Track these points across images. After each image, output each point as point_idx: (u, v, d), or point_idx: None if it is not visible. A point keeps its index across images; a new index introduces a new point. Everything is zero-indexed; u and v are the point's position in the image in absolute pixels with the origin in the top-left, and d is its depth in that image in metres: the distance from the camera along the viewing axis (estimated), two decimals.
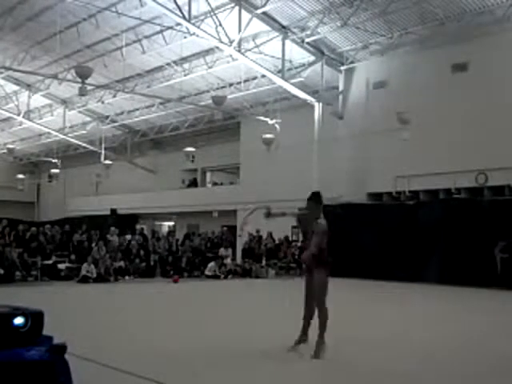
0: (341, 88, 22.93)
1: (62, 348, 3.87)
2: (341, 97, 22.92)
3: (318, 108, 22.54)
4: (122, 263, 19.21)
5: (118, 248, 19.91)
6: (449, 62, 19.42)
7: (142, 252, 20.18)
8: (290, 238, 23.83)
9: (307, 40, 21.06)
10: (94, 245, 19.38)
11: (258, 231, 23.14)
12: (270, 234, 23.03)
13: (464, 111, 18.74)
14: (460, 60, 19.18)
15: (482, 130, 18.25)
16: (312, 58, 22.04)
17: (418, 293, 16.06)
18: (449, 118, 19.02)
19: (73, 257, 18.84)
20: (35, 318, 4.02)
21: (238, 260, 23.19)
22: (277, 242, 22.91)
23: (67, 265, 18.61)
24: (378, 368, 6.44)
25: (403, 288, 16.73)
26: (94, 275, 17.60)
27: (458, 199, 18.89)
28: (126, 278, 18.90)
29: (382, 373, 6.26)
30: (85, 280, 17.30)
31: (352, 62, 22.31)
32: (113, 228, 21.25)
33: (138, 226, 31.51)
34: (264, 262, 21.84)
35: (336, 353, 6.88)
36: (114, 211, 32.10)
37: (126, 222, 29.74)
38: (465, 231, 17.48)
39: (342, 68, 22.64)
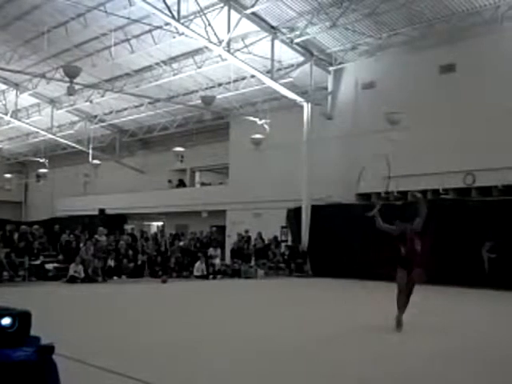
0: (330, 88, 22.99)
1: (50, 348, 3.84)
2: (330, 97, 22.98)
3: (306, 108, 22.57)
4: (111, 263, 19.13)
5: (107, 248, 19.83)
6: (437, 62, 19.53)
7: (130, 252, 20.11)
8: (279, 238, 23.86)
9: (296, 40, 21.09)
10: (82, 245, 19.29)
11: (246, 231, 23.16)
12: (260, 234, 23.03)
13: (452, 112, 18.85)
14: (448, 61, 19.30)
15: (469, 130, 18.37)
16: (301, 59, 22.07)
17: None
18: (437, 119, 19.13)
19: (61, 257, 18.73)
20: (22, 318, 3.98)
21: (227, 260, 23.18)
22: (266, 242, 22.91)
23: (55, 265, 18.51)
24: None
25: (390, 288, 16.78)
26: (82, 275, 17.52)
27: (445, 199, 18.99)
28: (115, 278, 18.83)
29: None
30: (72, 280, 17.22)
31: (341, 63, 22.38)
32: (101, 228, 21.17)
33: (126, 226, 31.40)
34: (253, 262, 21.84)
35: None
36: (102, 211, 31.95)
37: (115, 222, 29.61)
38: (452, 231, 17.57)
39: (331, 68, 22.70)
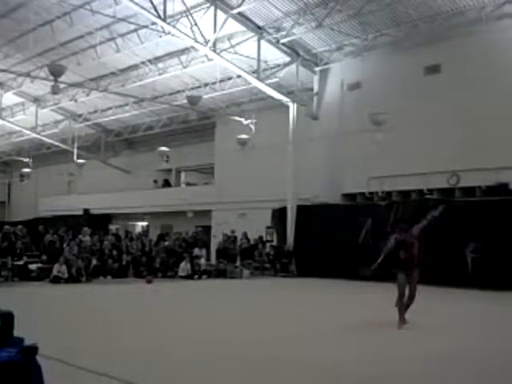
0: (316, 89, 23.05)
1: (34, 349, 3.82)
2: (316, 98, 23.03)
3: (292, 109, 22.60)
4: (95, 263, 19.02)
5: (91, 248, 19.71)
6: (422, 63, 19.65)
7: (114, 252, 19.99)
8: (264, 238, 23.88)
9: (282, 41, 21.12)
10: (65, 245, 19.15)
11: (233, 231, 23.15)
12: (245, 235, 23.03)
13: (437, 113, 18.97)
14: (433, 62, 19.42)
15: (454, 131, 18.50)
16: (287, 59, 22.11)
17: (382, 292, 16.16)
18: (422, 120, 19.24)
19: (44, 257, 18.59)
20: (5, 319, 3.95)
21: (213, 260, 23.14)
22: (252, 242, 22.91)
23: (38, 265, 18.36)
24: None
25: (373, 287, 16.88)
26: (66, 276, 17.40)
27: (430, 200, 19.10)
28: (101, 278, 18.71)
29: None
30: (56, 280, 17.09)
31: (327, 63, 22.44)
32: (85, 228, 21.03)
33: (111, 227, 31.25)
34: (238, 263, 21.82)
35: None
36: (86, 211, 31.78)
37: (99, 222, 29.46)
38: (436, 231, 17.66)
39: (317, 69, 22.75)
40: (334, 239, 20.11)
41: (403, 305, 9.28)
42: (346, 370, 6.37)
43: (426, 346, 7.89)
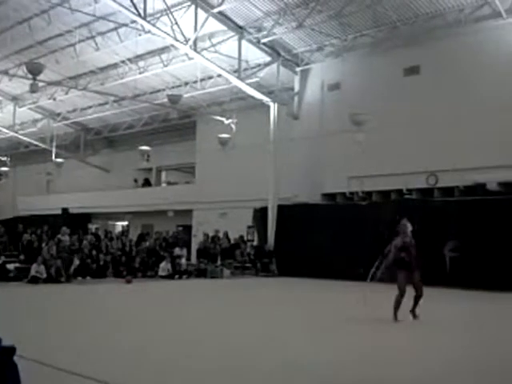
0: (296, 89, 23.11)
1: (11, 350, 3.77)
2: (296, 98, 23.10)
3: (273, 108, 22.63)
4: (78, 262, 18.89)
5: (70, 248, 19.52)
6: (401, 64, 19.80)
7: (94, 252, 19.83)
8: (246, 238, 23.89)
9: (263, 40, 21.13)
10: (44, 245, 18.95)
11: (217, 231, 23.12)
12: (226, 234, 23.01)
13: (416, 114, 19.13)
14: (412, 63, 19.59)
15: (433, 132, 18.67)
16: (268, 59, 22.13)
17: (357, 291, 16.27)
18: (401, 120, 19.39)
19: (22, 257, 18.38)
20: None
21: (193, 260, 23.08)
22: (232, 241, 22.90)
23: (16, 265, 18.15)
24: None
25: (355, 287, 16.98)
26: (44, 276, 17.22)
27: (409, 200, 19.28)
28: (78, 278, 18.54)
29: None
30: (34, 281, 16.90)
31: (307, 64, 22.51)
32: (64, 228, 20.80)
33: (90, 226, 31.00)
34: (219, 262, 21.79)
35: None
36: (65, 210, 31.50)
37: (78, 221, 29.20)
38: (415, 231, 17.80)
39: (298, 69, 22.81)
40: (315, 239, 20.18)
41: (400, 304, 9.84)
42: (329, 373, 6.39)
43: (408, 345, 7.96)
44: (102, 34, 22.70)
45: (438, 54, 18.93)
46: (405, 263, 9.98)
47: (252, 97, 22.95)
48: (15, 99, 30.33)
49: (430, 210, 18.06)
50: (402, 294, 9.84)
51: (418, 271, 9.99)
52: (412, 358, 7.13)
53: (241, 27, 20.85)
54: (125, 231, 28.32)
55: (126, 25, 20.95)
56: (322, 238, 20.01)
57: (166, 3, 19.15)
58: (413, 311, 10.04)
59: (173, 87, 25.43)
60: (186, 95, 23.07)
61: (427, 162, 18.57)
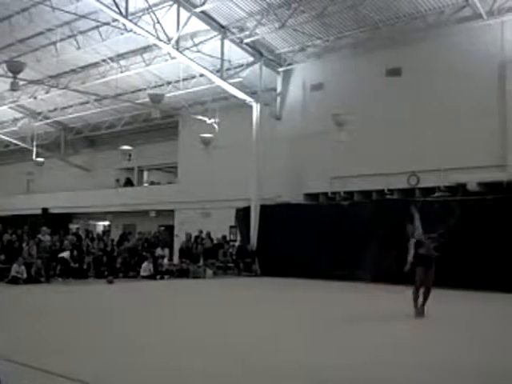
0: (279, 89, 23.15)
1: None
2: (279, 98, 23.13)
3: (256, 108, 22.62)
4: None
5: (50, 248, 19.35)
6: (383, 65, 19.92)
7: (75, 252, 19.66)
8: (228, 238, 23.86)
9: (246, 40, 21.12)
10: (24, 245, 18.76)
11: (201, 231, 23.06)
12: (208, 234, 22.97)
13: (397, 114, 19.27)
14: (394, 64, 19.72)
15: (414, 132, 18.82)
16: (251, 59, 22.13)
17: (347, 290, 16.39)
18: (383, 121, 19.52)
19: (2, 257, 18.17)
20: None
21: (176, 260, 23.00)
22: (215, 241, 22.86)
23: None
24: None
25: (338, 287, 17.08)
26: (25, 276, 17.05)
27: (390, 200, 19.41)
28: (59, 279, 18.38)
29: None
30: (15, 281, 16.73)
31: (290, 64, 22.55)
32: (44, 228, 20.60)
33: (71, 226, 30.76)
34: (202, 262, 21.74)
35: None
36: (45, 210, 31.22)
37: (59, 221, 28.97)
38: (396, 231, 17.93)
39: (280, 69, 22.85)
40: (297, 239, 20.25)
41: (418, 296, 10.37)
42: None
43: (395, 344, 8.01)
44: (83, 32, 22.51)
45: (419, 55, 19.09)
46: (424, 259, 10.44)
47: (235, 97, 22.92)
48: None
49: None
50: (418, 287, 10.37)
51: (433, 267, 10.51)
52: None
53: (223, 27, 20.82)
54: (106, 231, 28.16)
55: (107, 23, 20.80)
56: (304, 238, 20.08)
57: (147, 2, 19.08)
58: (422, 308, 10.45)
59: (155, 86, 25.31)
60: (168, 95, 22.97)
61: (408, 162, 18.72)
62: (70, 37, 22.74)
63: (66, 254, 19.19)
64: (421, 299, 10.48)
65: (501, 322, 10.48)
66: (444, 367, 6.56)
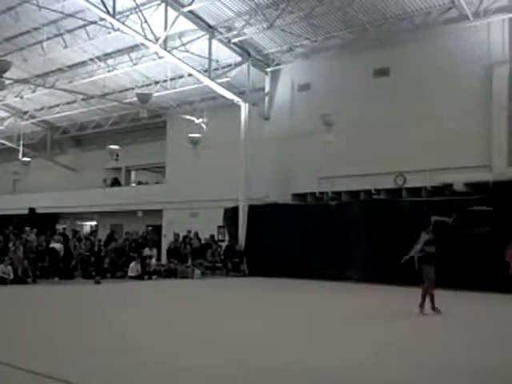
0: (267, 89, 23.17)
1: None
2: (267, 98, 23.16)
3: (244, 108, 22.63)
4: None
5: (37, 248, 19.22)
6: (371, 66, 20.01)
7: (62, 253, 19.53)
8: (216, 238, 23.82)
9: (234, 40, 21.12)
10: (11, 245, 18.61)
11: (189, 231, 23.01)
12: (196, 234, 22.92)
13: (384, 115, 19.36)
14: (381, 65, 19.81)
15: (401, 133, 18.92)
16: (238, 59, 22.13)
17: (335, 290, 16.45)
18: (370, 122, 19.59)
19: None
20: None
21: (164, 260, 22.93)
22: (203, 241, 22.82)
23: None
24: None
25: (321, 287, 17.12)
26: (11, 277, 16.92)
27: (377, 200, 19.50)
28: (45, 279, 18.25)
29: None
30: (2, 282, 16.60)
31: (278, 64, 22.58)
32: (28, 228, 20.41)
33: (58, 226, 30.56)
34: (190, 262, 21.69)
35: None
36: (32, 210, 30.99)
37: (46, 221, 28.76)
38: (384, 231, 18.05)
39: (268, 69, 22.87)
40: (285, 239, 20.28)
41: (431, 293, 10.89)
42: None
43: (380, 343, 8.05)
44: (70, 31, 22.41)
45: (406, 56, 19.20)
46: (432, 257, 11.17)
47: (223, 97, 22.91)
48: None
49: (398, 209, 18.29)
50: (432, 285, 10.90)
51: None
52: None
53: (211, 27, 20.80)
54: (93, 231, 28.02)
55: (94, 22, 20.73)
56: (292, 238, 20.12)
57: (135, 1, 19.02)
58: (434, 306, 10.88)
59: (142, 86, 25.22)
60: (155, 94, 22.92)
61: (395, 162, 18.81)
62: (56, 36, 22.62)
63: (57, 245, 19.08)
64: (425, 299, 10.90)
65: (493, 322, 10.56)
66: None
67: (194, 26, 20.78)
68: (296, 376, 6.09)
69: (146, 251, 21.33)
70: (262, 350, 7.39)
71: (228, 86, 22.40)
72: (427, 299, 10.90)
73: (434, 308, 10.84)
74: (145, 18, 19.33)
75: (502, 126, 17.15)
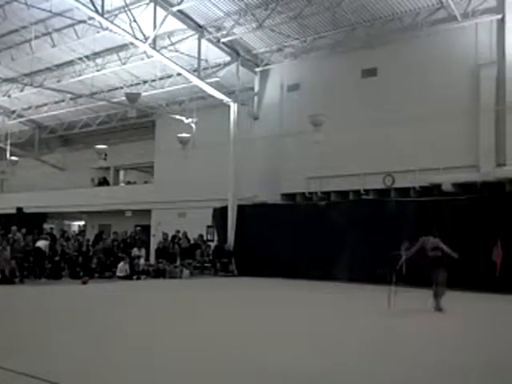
0: (256, 89, 23.16)
1: None
2: (256, 98, 23.15)
3: (233, 108, 22.62)
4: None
5: (24, 248, 19.08)
6: (359, 66, 20.06)
7: (50, 253, 19.41)
8: (205, 238, 23.78)
9: (223, 40, 21.10)
10: None
11: (178, 231, 22.95)
12: (185, 234, 22.87)
13: (373, 115, 19.39)
14: (370, 65, 19.87)
15: (389, 133, 18.96)
16: (228, 59, 22.11)
17: (324, 290, 16.47)
18: (359, 122, 19.63)
19: None
20: None
21: (152, 260, 22.87)
22: (192, 241, 22.78)
23: None
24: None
25: (313, 286, 17.15)
26: None
27: (366, 200, 19.56)
28: (32, 279, 18.12)
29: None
30: None
31: (267, 64, 22.58)
32: (13, 227, 20.23)
33: (45, 226, 30.38)
34: (178, 262, 21.64)
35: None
36: (20, 210, 30.79)
37: (33, 221, 28.57)
38: (373, 231, 18.09)
39: (258, 69, 22.87)
40: (274, 239, 20.29)
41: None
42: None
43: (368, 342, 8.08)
44: (58, 30, 22.32)
45: (394, 57, 19.27)
46: (441, 261, 11.44)
47: (212, 96, 22.88)
48: None
49: (387, 210, 18.36)
50: (439, 285, 11.25)
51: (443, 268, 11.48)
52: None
53: (201, 26, 20.77)
54: (81, 231, 27.88)
55: (83, 21, 20.62)
56: (281, 238, 20.13)
57: (124, 0, 18.94)
58: (438, 306, 11.27)
59: (131, 85, 25.14)
60: (144, 94, 22.87)
61: (384, 162, 18.88)
62: (45, 35, 22.51)
63: (42, 244, 18.95)
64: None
65: (486, 322, 10.63)
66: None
67: (183, 26, 20.74)
68: (294, 377, 6.10)
69: (135, 251, 21.24)
70: (258, 351, 7.39)
71: (217, 86, 22.38)
72: (433, 299, 11.37)
73: (438, 308, 11.25)
74: (134, 17, 19.26)
75: (490, 126, 17.25)
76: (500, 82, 17.18)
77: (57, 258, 19.48)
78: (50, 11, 19.91)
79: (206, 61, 21.93)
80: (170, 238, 22.75)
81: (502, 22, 17.14)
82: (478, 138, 17.44)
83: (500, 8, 17.14)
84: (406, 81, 18.91)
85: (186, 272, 20.94)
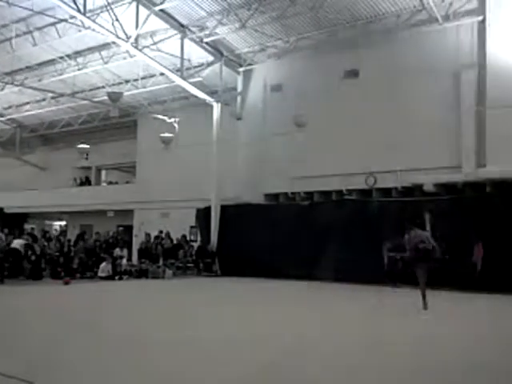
0: (239, 89, 23.14)
1: None
2: (239, 98, 23.13)
3: (216, 108, 22.57)
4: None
5: (4, 248, 18.86)
6: (341, 67, 20.12)
7: (29, 252, 19.22)
8: (188, 238, 23.73)
9: (206, 40, 21.05)
10: None
11: (161, 231, 22.87)
12: (168, 234, 22.80)
13: (355, 116, 19.48)
14: (352, 66, 19.95)
15: (371, 133, 19.06)
16: (211, 58, 22.06)
17: (307, 290, 16.51)
18: (341, 122, 19.72)
19: None
20: None
21: (135, 260, 22.75)
22: (175, 242, 22.71)
23: None
24: None
25: (296, 285, 17.19)
26: None
27: (348, 200, 19.64)
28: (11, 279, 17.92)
29: None
30: None
31: (250, 64, 22.58)
32: None
33: (26, 226, 30.09)
34: (161, 262, 21.56)
35: None
36: (0, 210, 30.48)
37: (14, 221, 28.28)
38: (355, 231, 18.18)
39: (241, 69, 22.86)
40: (257, 239, 20.28)
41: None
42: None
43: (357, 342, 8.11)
44: (39, 29, 22.09)
45: (376, 58, 19.37)
46: (430, 254, 11.31)
47: (195, 96, 22.83)
48: None
49: (369, 210, 18.45)
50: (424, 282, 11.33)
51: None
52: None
53: (183, 26, 20.70)
54: (63, 231, 27.65)
55: (65, 20, 20.44)
56: (264, 238, 20.13)
57: None
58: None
59: (113, 85, 24.96)
60: (126, 93, 22.73)
61: (366, 163, 18.96)
62: (25, 33, 22.28)
63: (18, 244, 18.71)
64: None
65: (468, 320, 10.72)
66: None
67: (165, 25, 20.65)
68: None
69: (117, 251, 21.12)
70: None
71: (200, 86, 22.32)
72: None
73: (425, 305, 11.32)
74: (116, 16, 19.14)
75: (471, 128, 17.42)
76: (481, 84, 17.35)
77: (33, 258, 19.26)
78: (32, 9, 19.72)
79: (189, 60, 21.86)
80: (152, 239, 22.66)
81: (482, 24, 17.31)
82: (459, 139, 17.59)
83: (481, 10, 17.31)
84: (388, 81, 19.02)
85: (169, 272, 20.87)
